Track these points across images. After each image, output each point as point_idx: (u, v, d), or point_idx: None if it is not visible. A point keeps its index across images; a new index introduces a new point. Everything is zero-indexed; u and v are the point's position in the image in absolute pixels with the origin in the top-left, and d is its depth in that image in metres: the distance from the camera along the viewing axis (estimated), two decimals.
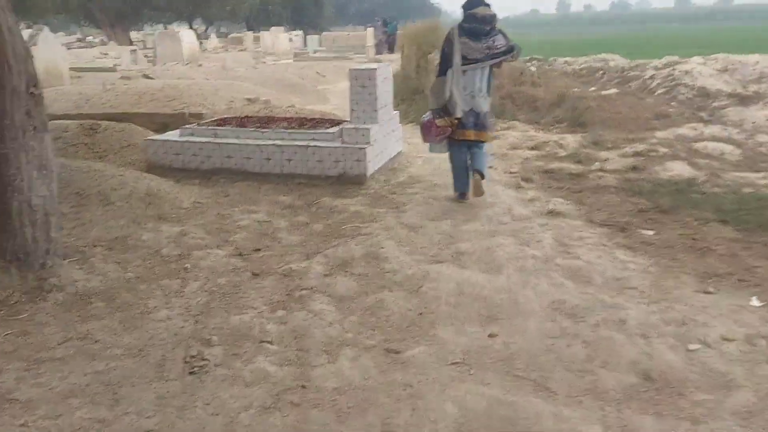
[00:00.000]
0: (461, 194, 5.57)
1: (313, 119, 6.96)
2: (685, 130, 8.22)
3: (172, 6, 38.03)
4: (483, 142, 5.41)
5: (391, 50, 29.68)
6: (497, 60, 5.22)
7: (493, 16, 5.18)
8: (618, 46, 39.38)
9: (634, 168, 6.25)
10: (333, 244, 4.45)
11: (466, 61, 5.10)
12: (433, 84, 5.40)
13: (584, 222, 4.92)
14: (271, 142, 6.28)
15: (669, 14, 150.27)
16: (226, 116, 7.59)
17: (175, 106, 8.95)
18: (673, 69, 14.66)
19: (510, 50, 5.20)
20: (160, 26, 54.91)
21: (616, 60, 21.06)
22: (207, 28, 64.04)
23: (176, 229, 4.71)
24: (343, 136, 6.13)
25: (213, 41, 34.55)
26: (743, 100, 11.52)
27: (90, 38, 40.95)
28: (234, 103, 9.83)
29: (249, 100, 10.05)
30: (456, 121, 5.22)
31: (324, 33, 37.71)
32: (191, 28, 56.18)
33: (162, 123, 8.30)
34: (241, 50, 32.11)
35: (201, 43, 38.89)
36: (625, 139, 7.60)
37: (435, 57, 9.91)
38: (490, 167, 6.05)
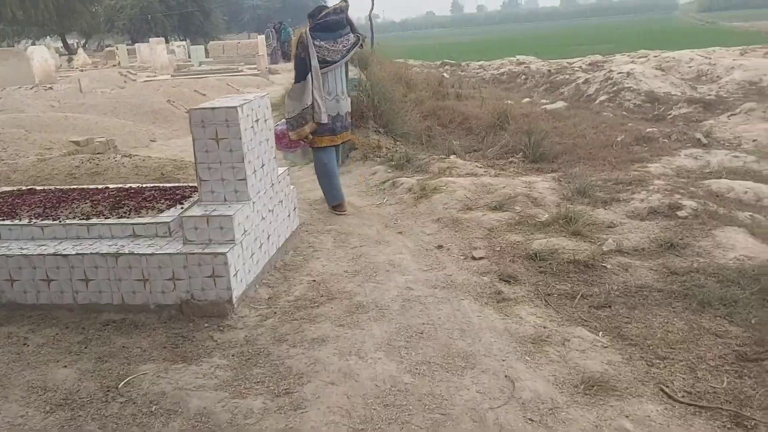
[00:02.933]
0: (338, 205, 5.21)
1: (144, 191, 4.15)
2: (685, 160, 6.08)
3: (32, 20, 33.08)
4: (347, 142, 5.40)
5: (286, 58, 26.90)
6: (349, 55, 5.11)
7: (345, 10, 5.05)
8: (521, 45, 38.57)
9: (671, 245, 3.92)
10: None
11: (324, 63, 4.92)
12: (291, 89, 5.09)
13: (664, 408, 2.47)
14: (52, 249, 3.44)
15: (557, 12, 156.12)
16: None
17: None
18: (609, 72, 12.90)
19: (357, 41, 5.16)
20: (25, 43, 49.03)
21: (535, 63, 19.38)
22: (85, 42, 58.25)
23: None
24: (184, 231, 3.39)
25: (81, 57, 30.22)
26: (708, 107, 9.73)
27: None
28: (52, 150, 6.79)
29: (76, 143, 7.03)
30: (311, 136, 5.05)
31: (211, 42, 34.17)
32: (65, 43, 50.74)
33: None
34: (114, 65, 28.16)
35: (70, 59, 34.33)
36: (617, 182, 5.33)
37: None
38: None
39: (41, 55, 19.66)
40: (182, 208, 3.73)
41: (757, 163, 5.80)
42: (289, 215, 4.37)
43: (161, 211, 3.73)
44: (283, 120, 5.18)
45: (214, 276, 3.28)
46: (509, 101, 11.16)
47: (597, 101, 11.55)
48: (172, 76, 20.97)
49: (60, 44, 50.35)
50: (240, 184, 3.56)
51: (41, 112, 10.43)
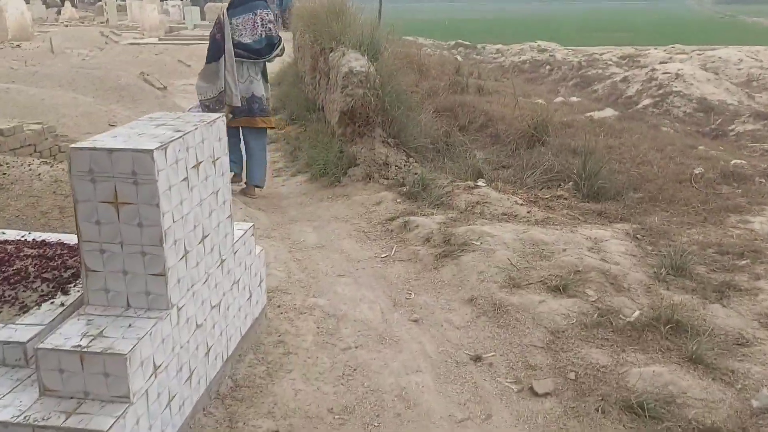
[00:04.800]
0: (234, 175, 5.15)
1: (21, 252, 2.59)
2: None
3: None
4: (266, 128, 5.33)
5: (286, 27, 25.05)
6: (273, 55, 5.20)
7: None
8: (535, 27, 36.64)
9: None
10: None
11: (240, 47, 4.90)
12: (203, 70, 5.05)
13: None
14: None
15: None
16: None
17: None
18: (652, 71, 11.28)
19: (278, 42, 5.19)
20: None
21: (559, 51, 17.67)
22: None
23: None
24: (40, 373, 1.87)
25: (68, 11, 28.18)
26: None
27: None
28: None
29: None
30: (230, 115, 4.94)
31: (209, 4, 32.07)
32: None
33: None
34: (102, 23, 26.19)
35: (59, 12, 32.19)
36: (722, 251, 3.82)
37: (340, 57, 5.74)
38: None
39: (16, 6, 17.81)
40: (61, 306, 2.19)
41: None
42: (249, 297, 2.84)
43: (25, 308, 2.20)
44: (197, 103, 5.13)
45: None
46: (539, 100, 9.57)
47: (640, 105, 9.99)
48: (159, 39, 19.17)
49: None
50: (155, 283, 2.03)
51: None
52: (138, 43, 17.26)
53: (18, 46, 14.20)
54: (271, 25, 5.09)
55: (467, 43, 19.23)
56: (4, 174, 4.21)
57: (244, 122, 5.12)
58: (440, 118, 7.95)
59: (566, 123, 7.09)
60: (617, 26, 39.84)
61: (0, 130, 5.43)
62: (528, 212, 4.60)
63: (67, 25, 24.42)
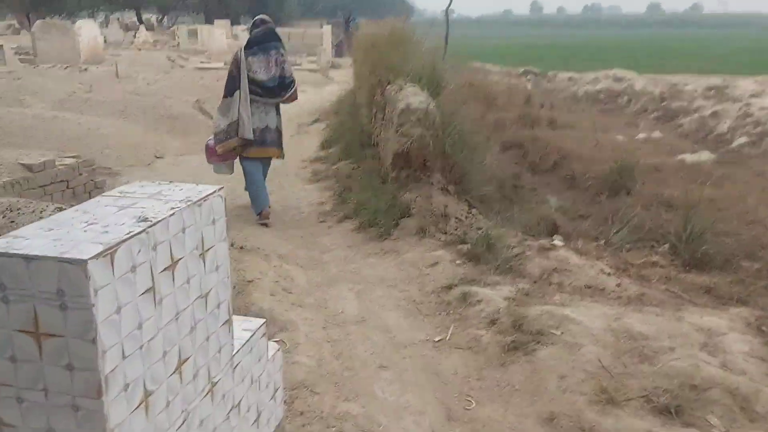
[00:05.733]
0: (262, 213, 5.30)
1: None
2: None
3: None
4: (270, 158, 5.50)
5: (350, 51, 24.88)
6: (286, 97, 5.36)
7: (271, 29, 5.34)
8: (607, 54, 35.20)
9: None
10: None
11: (254, 84, 5.13)
12: (220, 105, 5.34)
13: None
14: None
15: (641, 20, 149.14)
16: None
17: None
18: (747, 105, 10.14)
19: (291, 83, 5.36)
20: (95, 16, 48.75)
21: (636, 80, 16.49)
22: (161, 18, 57.89)
23: None
24: None
25: (142, 34, 29.01)
26: None
27: None
28: None
29: (28, 168, 5.06)
30: (239, 147, 5.21)
31: (277, 29, 32.51)
32: (139, 18, 50.20)
33: None
34: (173, 46, 26.80)
35: (135, 35, 33.28)
36: None
37: (397, 92, 5.09)
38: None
39: (90, 30, 18.25)
40: None
41: None
42: (257, 419, 2.17)
43: None
44: (212, 135, 5.38)
45: None
46: (619, 136, 8.66)
47: (734, 144, 8.89)
48: (225, 63, 19.20)
49: (135, 18, 49.90)
50: None
51: (43, 107, 8.64)
52: (203, 68, 17.29)
53: (85, 69, 14.33)
54: (285, 65, 5.31)
55: (537, 70, 18.35)
56: (12, 222, 3.74)
57: (258, 152, 5.29)
58: (508, 155, 7.21)
59: (655, 167, 6.18)
60: (696, 54, 37.87)
61: (29, 165, 5.06)
62: (618, 285, 3.77)
63: (140, 49, 25.04)
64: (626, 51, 36.99)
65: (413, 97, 4.82)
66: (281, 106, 5.46)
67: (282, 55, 5.29)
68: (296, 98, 5.58)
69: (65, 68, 14.42)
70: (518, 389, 2.78)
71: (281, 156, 5.54)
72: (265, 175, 5.47)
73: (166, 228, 1.53)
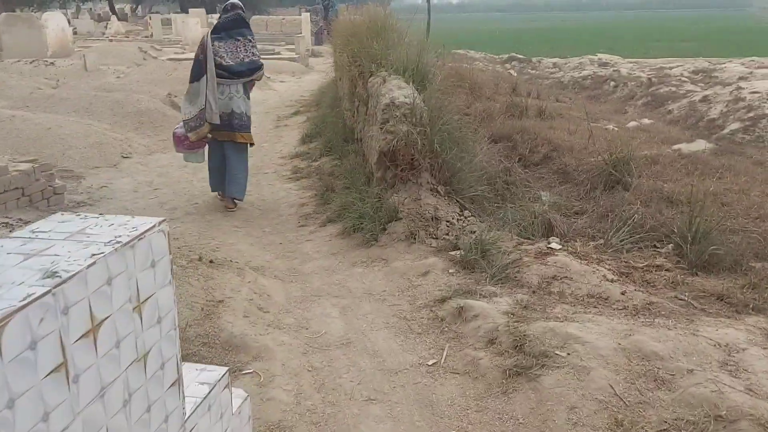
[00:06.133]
0: (218, 192, 5.48)
1: None
2: None
3: None
4: (244, 143, 5.42)
5: (329, 40, 24.33)
6: (252, 78, 5.34)
7: (241, 16, 5.32)
8: (591, 37, 34.99)
9: None
10: None
11: (221, 69, 5.07)
12: (187, 91, 5.26)
13: None
14: None
15: (621, 2, 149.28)
16: None
17: None
18: (738, 89, 9.88)
19: (260, 67, 5.40)
20: (71, 6, 47.50)
21: (622, 64, 16.21)
22: (135, 8, 56.54)
23: None
24: None
25: (114, 25, 28.20)
26: None
27: None
28: None
29: None
30: (209, 134, 5.18)
31: (254, 17, 31.76)
32: (112, 8, 48.92)
33: None
34: (146, 37, 26.07)
35: (106, 26, 32.34)
36: None
37: (380, 84, 4.75)
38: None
39: (57, 22, 17.56)
40: None
41: None
42: None
43: None
44: (181, 123, 5.30)
45: None
46: (610, 125, 8.36)
47: (726, 130, 8.65)
48: None
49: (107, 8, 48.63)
50: None
51: (2, 105, 8.14)
52: (176, 59, 16.72)
53: (52, 63, 13.74)
54: (255, 50, 5.32)
55: (522, 56, 18.00)
56: None
57: (224, 136, 5.26)
58: (496, 148, 6.88)
59: (651, 158, 5.89)
60: (678, 36, 37.78)
61: None
62: (623, 293, 3.47)
63: (111, 40, 24.32)
64: (608, 34, 36.82)
65: (398, 90, 4.46)
66: (250, 94, 5.46)
67: (251, 42, 5.30)
68: (260, 80, 5.66)
69: (31, 62, 13.82)
70: (522, 422, 2.47)
71: (250, 141, 5.47)
72: (240, 163, 5.40)
73: (83, 283, 1.17)
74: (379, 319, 3.35)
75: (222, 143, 5.32)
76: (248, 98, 5.39)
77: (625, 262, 3.94)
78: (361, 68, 5.73)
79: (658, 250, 4.19)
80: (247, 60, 5.19)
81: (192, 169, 6.69)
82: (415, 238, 4.10)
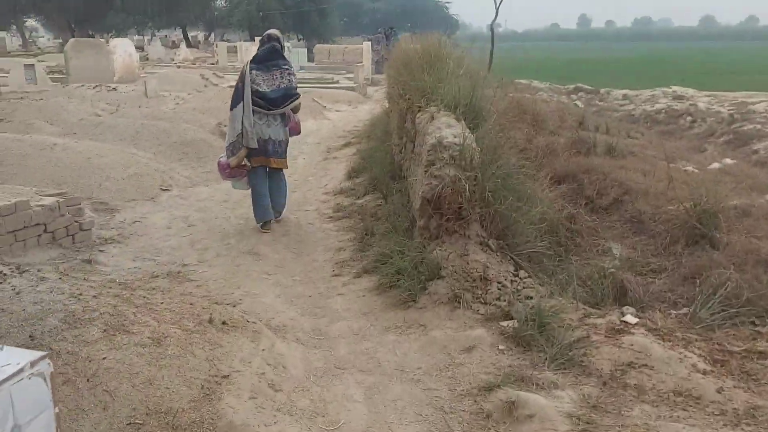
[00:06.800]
0: (264, 224, 5.48)
1: None
2: None
3: (134, 6, 32.42)
4: (281, 169, 5.64)
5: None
6: (286, 107, 5.43)
7: (280, 45, 5.58)
8: (661, 69, 33.48)
9: None
10: None
11: (258, 96, 5.25)
12: (228, 118, 5.53)
13: None
14: None
15: (694, 33, 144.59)
16: None
17: None
18: None
19: (295, 94, 5.52)
20: (138, 35, 49.54)
21: (699, 98, 15.12)
22: (208, 36, 58.54)
23: None
24: None
25: (183, 52, 29.01)
26: None
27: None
28: None
29: None
30: (247, 161, 5.38)
31: (317, 45, 32.07)
32: (185, 36, 50.77)
33: None
34: (213, 64, 26.62)
35: (176, 52, 33.37)
36: None
37: (428, 121, 4.21)
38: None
39: (124, 48, 18.03)
40: None
41: None
42: None
43: None
44: (224, 151, 5.50)
45: None
46: (689, 166, 7.54)
47: None
48: None
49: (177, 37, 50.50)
50: None
51: (53, 131, 8.09)
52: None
53: (114, 89, 13.94)
54: (291, 77, 5.48)
55: (589, 87, 17.15)
56: None
57: (259, 161, 5.43)
58: (560, 190, 6.22)
59: (742, 209, 5.10)
60: (757, 68, 35.75)
61: None
62: (719, 391, 2.76)
63: (179, 66, 24.91)
64: (681, 66, 35.24)
65: (447, 129, 3.92)
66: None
67: (287, 70, 5.49)
68: (298, 111, 5.69)
69: (94, 87, 14.06)
70: None
71: (284, 166, 5.64)
72: (279, 190, 5.64)
73: None
74: (411, 408, 2.77)
75: (265, 169, 5.51)
76: (286, 125, 5.55)
77: (719, 345, 3.22)
78: (410, 102, 5.23)
79: (758, 329, 3.44)
80: (282, 86, 5.38)
81: (232, 204, 6.34)
82: (459, 302, 3.51)
